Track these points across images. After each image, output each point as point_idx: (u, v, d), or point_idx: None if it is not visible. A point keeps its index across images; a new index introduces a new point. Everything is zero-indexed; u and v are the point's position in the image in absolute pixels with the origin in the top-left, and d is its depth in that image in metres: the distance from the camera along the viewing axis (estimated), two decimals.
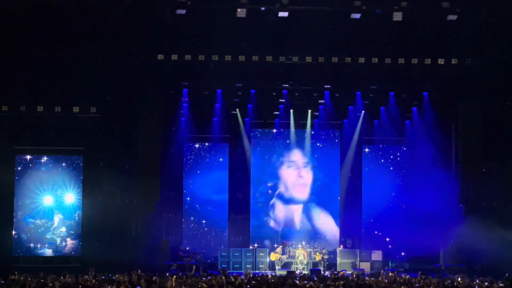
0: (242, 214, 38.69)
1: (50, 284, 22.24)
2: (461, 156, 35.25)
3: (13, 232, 33.85)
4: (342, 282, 23.53)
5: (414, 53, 33.07)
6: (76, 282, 23.19)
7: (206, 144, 38.99)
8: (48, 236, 34.03)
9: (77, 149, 34.31)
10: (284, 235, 37.72)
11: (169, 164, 37.47)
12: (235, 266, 35.55)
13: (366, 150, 38.97)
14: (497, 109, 34.82)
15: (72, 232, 34.11)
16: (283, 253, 35.78)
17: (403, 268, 36.12)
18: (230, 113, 37.93)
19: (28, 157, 34.25)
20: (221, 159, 39.08)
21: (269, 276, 28.00)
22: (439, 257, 36.30)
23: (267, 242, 37.39)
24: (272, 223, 38.23)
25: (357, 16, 30.71)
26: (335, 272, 31.69)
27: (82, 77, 33.32)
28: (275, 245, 36.92)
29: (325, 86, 35.57)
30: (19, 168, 34.13)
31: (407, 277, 27.89)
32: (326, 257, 35.59)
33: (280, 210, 38.27)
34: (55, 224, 34.04)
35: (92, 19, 31.51)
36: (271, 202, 38.29)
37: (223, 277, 25.39)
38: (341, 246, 36.98)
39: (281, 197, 38.34)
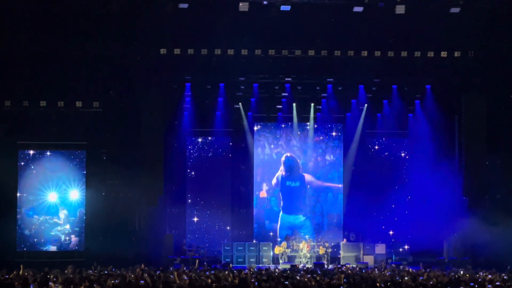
0: (245, 208, 38.71)
1: (54, 279, 22.25)
2: (465, 149, 35.27)
3: (17, 228, 33.86)
4: (345, 275, 23.54)
5: (416, 46, 33.03)
6: (80, 277, 23.19)
7: (209, 138, 38.99)
8: (52, 233, 34.03)
9: (80, 143, 34.36)
10: (287, 229, 37.75)
11: (172, 158, 37.51)
12: (239, 260, 35.56)
13: (369, 145, 39.07)
14: (500, 102, 34.82)
15: (77, 229, 34.11)
16: (287, 246, 35.80)
17: (406, 261, 36.13)
18: (233, 107, 37.93)
19: (31, 152, 34.26)
20: (224, 153, 39.08)
21: (273, 270, 28.01)
22: (443, 250, 36.32)
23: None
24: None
25: (359, 9, 30.62)
26: (339, 266, 31.71)
27: (84, 72, 33.34)
28: (278, 239, 37.01)
29: (328, 79, 35.58)
30: (22, 163, 34.14)
31: (410, 270, 27.92)
32: (329, 250, 35.62)
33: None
34: (61, 220, 34.03)
35: (95, 14, 31.47)
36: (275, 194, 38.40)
37: (227, 272, 25.39)
38: (345, 239, 36.98)
39: (285, 189, 38.35)
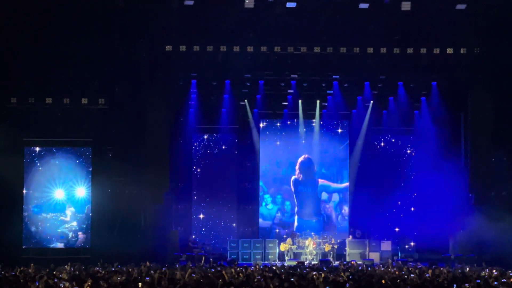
0: (251, 205, 38.73)
1: (60, 276, 22.28)
2: (470, 145, 35.20)
3: (23, 225, 33.87)
4: (350, 272, 23.55)
5: (422, 43, 32.99)
6: (86, 273, 23.24)
7: (215, 135, 39.03)
8: (59, 230, 34.04)
9: (86, 140, 34.35)
10: (292, 225, 37.79)
11: (178, 155, 37.54)
12: (245, 257, 35.54)
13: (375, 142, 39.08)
14: (506, 98, 34.68)
15: (84, 226, 34.12)
16: (292, 243, 35.79)
17: (412, 258, 36.05)
18: (239, 104, 37.94)
19: (37, 149, 34.28)
20: (229, 150, 39.08)
21: (279, 266, 28.02)
22: (449, 247, 36.29)
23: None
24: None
25: (365, 6, 30.62)
26: (344, 263, 31.71)
27: (90, 69, 33.34)
28: (285, 236, 37.01)
29: (334, 76, 35.54)
30: (28, 160, 34.17)
31: (416, 267, 27.90)
32: (335, 247, 35.61)
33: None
34: (68, 218, 34.04)
35: (100, 11, 31.50)
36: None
37: (233, 269, 25.41)
38: (350, 236, 36.97)
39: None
